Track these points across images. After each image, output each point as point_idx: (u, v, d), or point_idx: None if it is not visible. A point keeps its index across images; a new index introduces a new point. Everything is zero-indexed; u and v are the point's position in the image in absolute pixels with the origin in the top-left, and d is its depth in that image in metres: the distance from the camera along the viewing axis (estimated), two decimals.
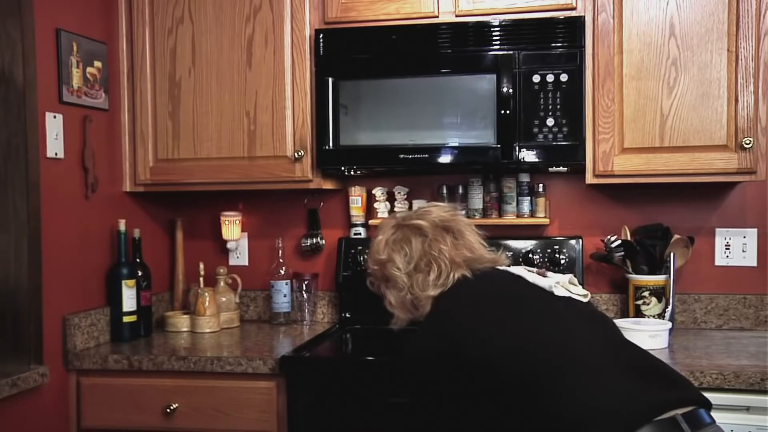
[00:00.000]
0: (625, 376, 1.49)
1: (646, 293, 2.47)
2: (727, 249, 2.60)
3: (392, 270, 1.88)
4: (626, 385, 1.46)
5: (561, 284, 1.78)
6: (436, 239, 1.85)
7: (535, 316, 1.66)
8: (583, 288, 1.84)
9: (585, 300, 1.77)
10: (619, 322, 2.13)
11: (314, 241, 2.86)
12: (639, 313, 2.46)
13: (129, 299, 2.49)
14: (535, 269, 1.88)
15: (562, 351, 1.54)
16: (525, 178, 2.64)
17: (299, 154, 2.49)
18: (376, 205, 2.77)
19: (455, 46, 2.37)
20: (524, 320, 1.64)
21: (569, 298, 1.76)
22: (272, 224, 2.92)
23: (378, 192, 2.77)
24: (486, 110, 2.34)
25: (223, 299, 2.75)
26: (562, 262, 2.56)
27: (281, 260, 2.80)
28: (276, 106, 2.51)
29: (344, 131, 2.46)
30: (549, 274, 1.83)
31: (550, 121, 2.29)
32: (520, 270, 1.86)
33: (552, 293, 1.75)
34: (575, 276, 2.11)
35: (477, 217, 2.64)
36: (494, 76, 2.33)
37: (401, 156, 2.40)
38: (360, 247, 2.75)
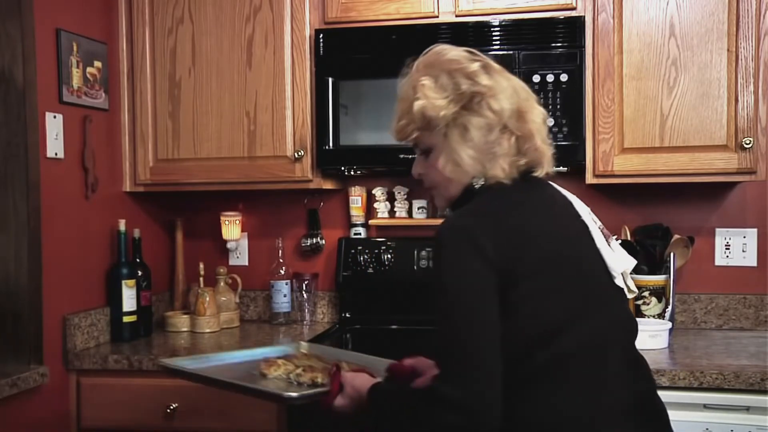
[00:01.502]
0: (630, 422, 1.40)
1: (646, 293, 2.47)
2: (727, 249, 2.60)
3: (492, 104, 1.43)
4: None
5: (624, 274, 1.52)
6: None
7: (594, 314, 1.40)
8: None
9: (629, 296, 1.57)
10: None
11: (314, 241, 2.86)
12: (639, 313, 2.46)
13: (129, 299, 2.49)
14: (599, 223, 1.53)
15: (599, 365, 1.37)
16: None
17: (299, 154, 2.49)
18: (376, 205, 2.78)
19: (456, 46, 2.36)
20: (586, 313, 1.38)
21: (623, 294, 1.52)
22: (272, 224, 2.92)
23: (378, 192, 2.77)
24: None
25: (223, 299, 2.75)
26: None
27: (281, 260, 2.80)
28: (276, 106, 2.51)
29: (344, 131, 2.46)
30: (614, 244, 1.52)
31: (550, 121, 2.29)
32: (584, 214, 1.52)
33: (613, 279, 1.49)
34: None
35: None
36: None
37: (401, 156, 2.39)
38: (360, 247, 2.75)
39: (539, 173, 1.49)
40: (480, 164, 1.42)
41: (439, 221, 2.66)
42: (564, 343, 1.35)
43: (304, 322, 2.78)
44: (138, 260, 2.58)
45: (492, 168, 1.43)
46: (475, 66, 1.44)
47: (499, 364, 1.31)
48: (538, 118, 1.47)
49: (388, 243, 2.75)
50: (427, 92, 1.43)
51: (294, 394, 1.62)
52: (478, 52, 1.49)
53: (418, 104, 1.42)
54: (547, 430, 1.33)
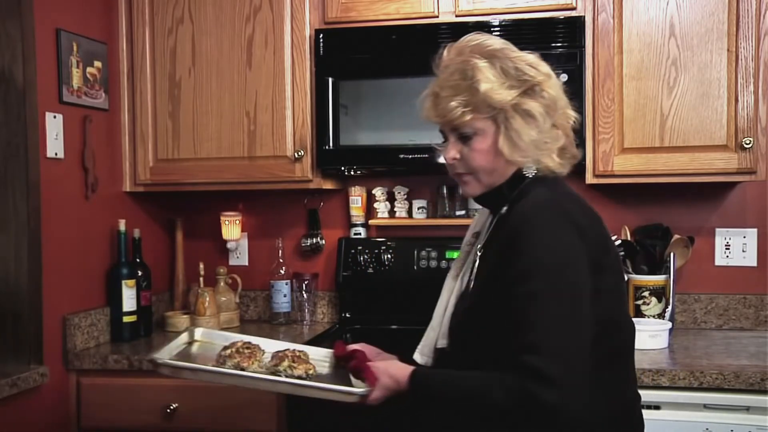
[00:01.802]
0: None
1: (646, 293, 2.46)
2: (727, 249, 2.60)
3: (550, 91, 1.46)
4: None
5: None
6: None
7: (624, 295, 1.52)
8: None
9: None
10: None
11: (314, 241, 2.86)
12: (639, 313, 2.46)
13: (129, 299, 2.49)
14: None
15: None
16: None
17: (299, 154, 2.49)
18: (376, 205, 2.77)
19: None
20: (628, 314, 1.53)
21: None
22: (272, 224, 2.92)
23: (378, 192, 2.77)
24: None
25: (223, 299, 2.75)
26: None
27: (281, 260, 2.80)
28: (276, 106, 2.51)
29: (344, 131, 2.46)
30: None
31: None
32: None
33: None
34: None
35: (477, 216, 2.64)
36: None
37: (401, 156, 2.40)
38: (360, 247, 2.75)
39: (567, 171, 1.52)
40: (537, 150, 1.44)
41: (439, 221, 2.71)
42: (621, 337, 1.45)
43: (304, 322, 2.78)
44: (138, 260, 2.58)
45: (545, 157, 1.45)
46: (531, 56, 1.46)
47: (589, 345, 1.32)
48: (571, 119, 1.51)
49: (388, 243, 2.75)
50: (489, 76, 1.41)
51: (362, 390, 1.47)
52: None
53: (484, 86, 1.40)
54: (618, 415, 1.43)
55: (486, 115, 1.42)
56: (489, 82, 1.40)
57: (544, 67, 1.46)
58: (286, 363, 1.59)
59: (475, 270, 1.49)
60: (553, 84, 1.45)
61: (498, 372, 1.31)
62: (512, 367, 1.29)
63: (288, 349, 1.67)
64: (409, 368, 1.45)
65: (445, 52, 1.49)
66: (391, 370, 1.47)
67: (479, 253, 1.51)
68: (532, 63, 1.45)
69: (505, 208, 1.46)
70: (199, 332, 1.88)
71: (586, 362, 1.30)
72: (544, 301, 1.31)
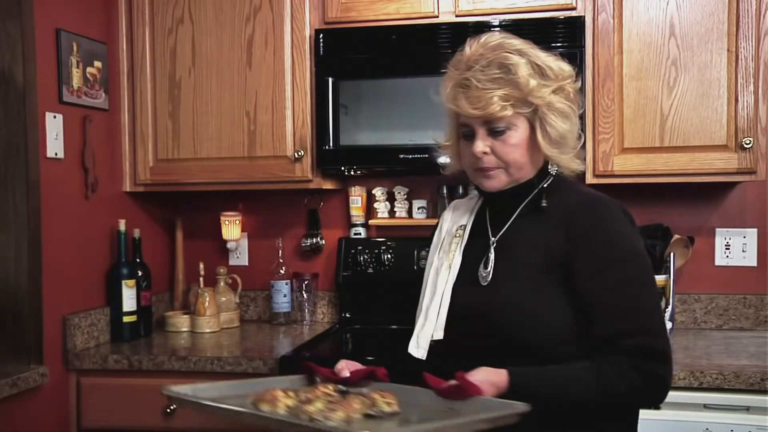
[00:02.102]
0: None
1: None
2: (727, 249, 2.60)
3: (576, 91, 1.52)
4: None
5: None
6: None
7: None
8: None
9: None
10: None
11: (314, 241, 2.86)
12: None
13: (129, 299, 2.49)
14: None
15: None
16: None
17: (299, 154, 2.49)
18: (376, 205, 2.77)
19: (455, 46, 2.31)
20: None
21: None
22: (272, 224, 2.92)
23: (378, 192, 2.77)
24: None
25: (223, 299, 2.75)
26: None
27: (281, 260, 2.80)
28: (276, 106, 2.51)
29: (344, 131, 2.46)
30: None
31: None
32: None
33: None
34: None
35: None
36: None
37: (401, 156, 2.40)
38: (360, 247, 2.75)
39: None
40: (568, 148, 1.49)
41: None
42: None
43: (304, 322, 2.78)
44: (138, 260, 2.58)
45: (572, 153, 1.50)
46: (553, 55, 1.50)
47: None
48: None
49: (388, 243, 2.75)
50: (530, 72, 1.43)
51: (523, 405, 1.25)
52: None
53: (531, 83, 1.42)
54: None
55: (525, 110, 1.44)
56: (533, 78, 1.43)
57: (569, 67, 1.50)
58: (381, 400, 1.33)
59: (491, 263, 1.50)
60: (577, 84, 1.50)
61: (594, 362, 1.36)
62: (619, 350, 1.35)
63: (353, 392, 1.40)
64: (501, 371, 1.37)
65: (469, 47, 1.49)
66: (491, 378, 1.36)
67: (494, 245, 1.52)
68: (559, 62, 1.49)
69: (544, 202, 1.49)
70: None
71: None
72: (640, 285, 1.41)
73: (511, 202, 1.53)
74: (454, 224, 1.64)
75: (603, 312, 1.38)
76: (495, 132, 1.45)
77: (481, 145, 1.46)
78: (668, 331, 2.27)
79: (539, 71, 1.44)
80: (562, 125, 1.46)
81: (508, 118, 1.43)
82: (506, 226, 1.53)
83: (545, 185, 1.51)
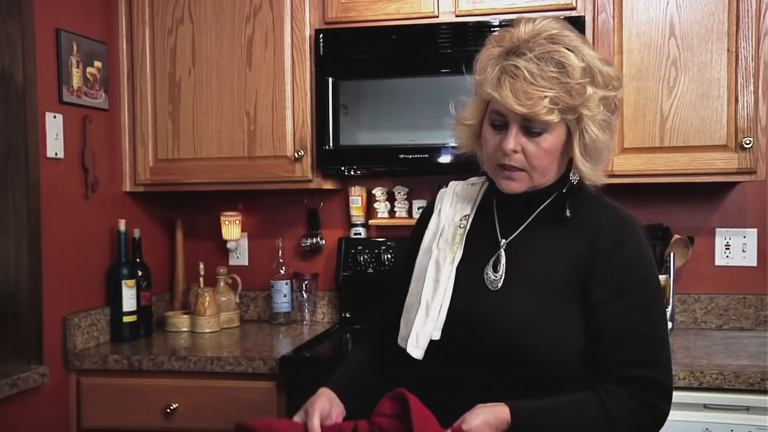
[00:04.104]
0: None
1: None
2: (727, 249, 2.60)
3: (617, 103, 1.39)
4: None
5: None
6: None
7: None
8: None
9: None
10: None
11: (314, 241, 2.86)
12: None
13: (129, 299, 2.49)
14: None
15: None
16: None
17: (299, 154, 2.49)
18: (376, 205, 2.77)
19: (455, 46, 2.37)
20: None
21: None
22: (272, 224, 2.92)
23: (378, 192, 2.77)
24: None
25: (223, 299, 2.75)
26: None
27: (281, 260, 2.80)
28: (276, 106, 2.51)
29: (344, 131, 2.46)
30: None
31: None
32: None
33: None
34: None
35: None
36: None
37: (401, 156, 2.40)
38: (360, 247, 2.75)
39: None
40: (601, 160, 1.40)
41: None
42: None
43: (304, 322, 2.78)
44: (138, 260, 2.58)
45: (600, 167, 1.42)
46: (604, 60, 1.38)
47: None
48: None
49: (388, 243, 2.75)
50: (587, 80, 1.32)
51: None
52: None
53: (589, 91, 1.31)
54: None
55: (569, 117, 1.32)
56: (589, 86, 1.31)
57: (616, 73, 1.39)
58: None
59: (502, 267, 1.40)
60: (621, 92, 1.40)
61: (596, 392, 1.31)
62: (621, 380, 1.31)
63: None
64: (502, 409, 1.28)
65: (522, 28, 1.35)
66: (489, 420, 1.27)
67: (503, 248, 1.42)
68: (608, 66, 1.37)
69: (568, 212, 1.40)
70: None
71: None
72: (651, 314, 1.34)
73: (527, 203, 1.43)
74: (456, 212, 1.51)
75: (613, 338, 1.32)
76: (531, 132, 1.33)
77: (513, 142, 1.33)
78: (669, 330, 2.27)
79: (591, 75, 1.32)
80: (603, 137, 1.35)
81: (552, 123, 1.32)
82: (520, 229, 1.43)
83: (565, 191, 1.41)
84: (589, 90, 1.31)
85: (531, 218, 1.43)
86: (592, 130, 1.33)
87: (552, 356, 1.32)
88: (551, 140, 1.34)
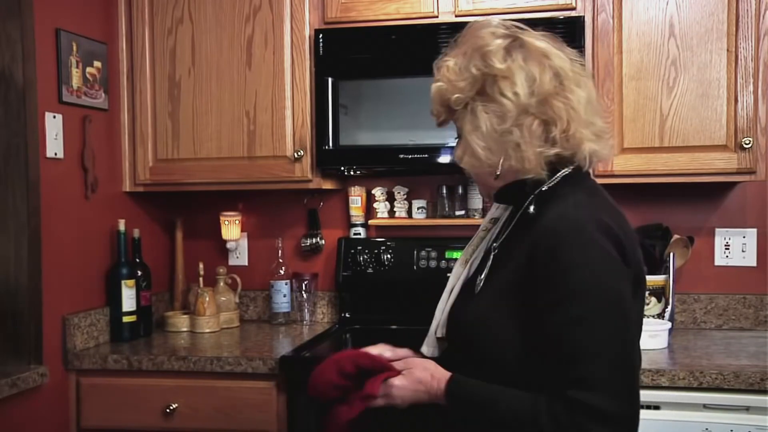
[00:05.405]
0: None
1: (645, 293, 2.46)
2: (726, 249, 2.60)
3: (504, 90, 1.30)
4: None
5: None
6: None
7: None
8: None
9: None
10: None
11: (314, 241, 2.86)
12: None
13: (129, 299, 2.49)
14: None
15: None
16: None
17: (299, 154, 2.49)
18: (375, 205, 2.77)
19: None
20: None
21: None
22: (272, 224, 2.92)
23: (378, 192, 2.77)
24: None
25: (223, 299, 2.75)
26: None
27: (281, 260, 2.80)
28: (276, 106, 2.51)
29: (344, 131, 2.46)
30: None
31: None
32: None
33: None
34: None
35: (477, 217, 2.64)
36: None
37: (401, 156, 2.40)
38: (360, 247, 2.75)
39: (583, 165, 1.34)
40: (495, 155, 1.31)
41: (439, 221, 2.71)
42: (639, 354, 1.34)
43: (304, 322, 2.78)
44: (138, 260, 2.58)
45: (515, 158, 1.30)
46: (494, 45, 1.33)
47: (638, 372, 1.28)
48: (578, 100, 1.31)
49: (388, 243, 2.75)
50: (447, 74, 1.35)
51: None
52: (521, 26, 1.41)
53: (434, 86, 1.37)
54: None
55: (456, 115, 1.40)
56: (445, 80, 1.38)
57: (498, 61, 1.34)
58: None
59: (487, 268, 1.38)
60: (515, 77, 1.33)
61: (543, 397, 1.21)
62: (559, 398, 1.19)
63: None
64: (445, 372, 1.34)
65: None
66: (429, 364, 1.36)
67: (494, 251, 1.40)
68: (485, 54, 1.37)
69: (532, 208, 1.32)
70: None
71: (636, 391, 1.23)
72: (592, 329, 1.20)
73: (515, 208, 1.42)
74: (490, 214, 1.51)
75: (547, 352, 1.22)
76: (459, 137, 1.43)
77: (455, 151, 1.44)
78: (668, 331, 2.27)
79: (463, 69, 1.38)
80: (470, 132, 1.36)
81: (455, 123, 1.41)
82: (505, 234, 1.41)
83: (530, 186, 1.33)
84: (435, 86, 1.39)
85: (513, 223, 1.40)
86: (466, 121, 1.36)
87: (499, 358, 1.29)
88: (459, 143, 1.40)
